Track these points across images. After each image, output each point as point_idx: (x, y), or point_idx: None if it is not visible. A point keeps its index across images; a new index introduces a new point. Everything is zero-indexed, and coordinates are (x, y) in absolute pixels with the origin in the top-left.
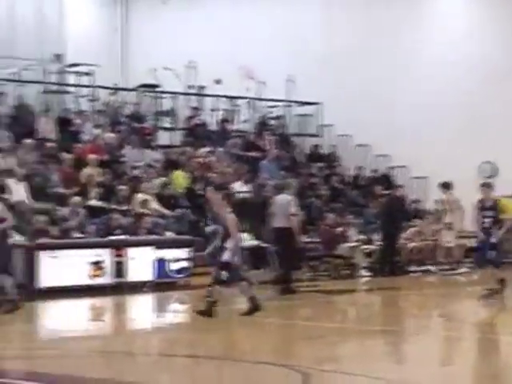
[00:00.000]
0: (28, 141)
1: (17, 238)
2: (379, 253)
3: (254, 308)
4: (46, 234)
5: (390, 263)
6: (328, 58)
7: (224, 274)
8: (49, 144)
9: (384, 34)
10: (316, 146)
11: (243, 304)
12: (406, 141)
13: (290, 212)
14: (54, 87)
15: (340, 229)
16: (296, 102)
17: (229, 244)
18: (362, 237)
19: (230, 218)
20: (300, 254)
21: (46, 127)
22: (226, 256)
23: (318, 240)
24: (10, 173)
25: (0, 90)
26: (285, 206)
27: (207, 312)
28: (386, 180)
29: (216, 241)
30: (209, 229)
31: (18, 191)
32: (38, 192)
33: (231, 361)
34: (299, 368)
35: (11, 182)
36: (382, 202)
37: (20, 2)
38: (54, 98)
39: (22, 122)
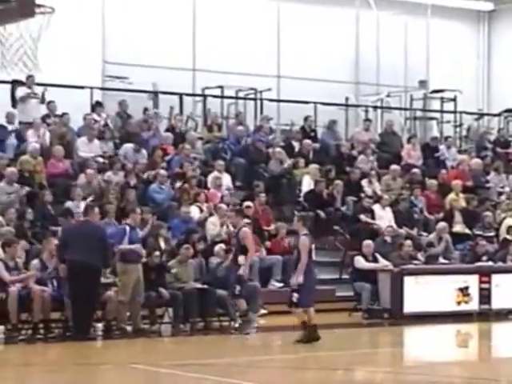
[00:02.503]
0: (394, 167)
1: (385, 263)
2: None
3: (312, 338)
4: (411, 260)
5: None
6: None
7: (295, 296)
8: (414, 170)
9: None
10: None
11: None
12: None
13: None
14: (419, 113)
15: None
16: None
17: (299, 266)
18: None
19: (302, 240)
20: None
21: (412, 153)
22: (295, 278)
23: None
24: (376, 199)
25: (367, 117)
26: None
27: (308, 337)
28: None
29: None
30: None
31: (384, 217)
32: (403, 218)
33: None
34: None
35: (376, 208)
36: None
37: (385, 30)
38: (419, 124)
39: (388, 148)
